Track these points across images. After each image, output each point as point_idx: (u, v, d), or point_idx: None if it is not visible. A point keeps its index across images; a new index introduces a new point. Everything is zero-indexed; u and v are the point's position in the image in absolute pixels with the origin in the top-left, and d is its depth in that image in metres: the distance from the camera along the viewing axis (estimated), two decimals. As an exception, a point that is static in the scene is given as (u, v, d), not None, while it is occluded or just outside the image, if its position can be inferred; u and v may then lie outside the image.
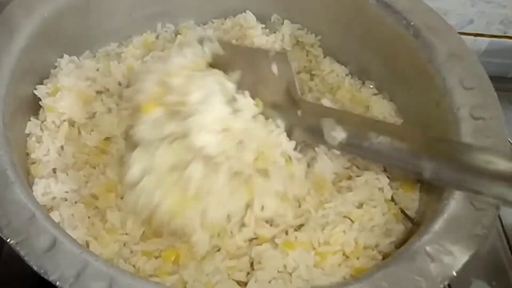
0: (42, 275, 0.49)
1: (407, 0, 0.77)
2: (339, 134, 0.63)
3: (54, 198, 0.64)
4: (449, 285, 0.75)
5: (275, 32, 0.86)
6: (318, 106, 0.72)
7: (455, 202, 0.58)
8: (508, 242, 0.81)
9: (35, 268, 0.49)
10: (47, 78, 0.74)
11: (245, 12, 0.87)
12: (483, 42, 0.99)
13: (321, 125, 0.64)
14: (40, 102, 0.71)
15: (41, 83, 0.73)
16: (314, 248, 0.61)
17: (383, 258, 0.62)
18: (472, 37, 0.97)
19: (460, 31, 0.93)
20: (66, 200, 0.65)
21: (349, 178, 0.70)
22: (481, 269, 0.80)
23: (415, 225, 0.66)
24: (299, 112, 0.66)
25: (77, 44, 0.79)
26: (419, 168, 0.61)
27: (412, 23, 0.75)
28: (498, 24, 0.97)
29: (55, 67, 0.75)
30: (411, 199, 0.70)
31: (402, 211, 0.68)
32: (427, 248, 0.54)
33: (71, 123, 0.70)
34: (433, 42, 0.73)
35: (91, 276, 0.49)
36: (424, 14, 0.76)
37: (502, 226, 0.83)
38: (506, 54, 1.01)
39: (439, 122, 0.69)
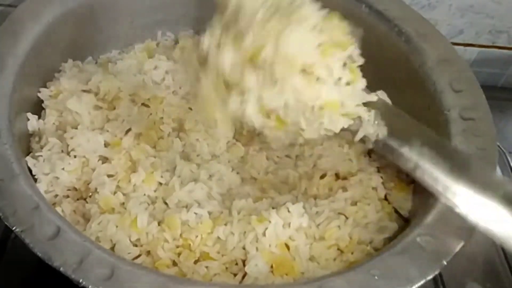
0: (46, 262, 0.50)
1: (399, 9, 0.81)
2: (380, 130, 0.60)
3: (56, 195, 0.66)
4: (444, 287, 0.77)
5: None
6: None
7: (445, 197, 0.60)
8: (502, 245, 0.83)
9: (40, 255, 0.50)
10: (51, 80, 0.76)
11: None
12: (473, 52, 1.02)
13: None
14: (42, 104, 0.74)
15: (45, 86, 0.75)
16: (309, 243, 0.63)
17: (378, 254, 0.64)
18: (462, 47, 1.00)
19: (450, 41, 0.95)
20: (68, 197, 0.66)
21: (344, 178, 0.72)
22: (475, 272, 0.81)
23: (408, 223, 0.68)
24: None
25: (79, 49, 0.81)
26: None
27: (403, 30, 0.78)
28: (486, 34, 1.00)
29: (59, 70, 0.77)
30: (404, 199, 0.71)
31: (396, 211, 0.70)
32: (419, 239, 0.56)
33: (72, 125, 0.72)
34: (423, 48, 0.76)
35: (94, 263, 0.50)
36: (415, 22, 0.79)
37: (497, 229, 0.84)
38: (495, 64, 1.04)
39: (430, 124, 0.71)
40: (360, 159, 0.74)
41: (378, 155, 0.75)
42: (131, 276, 0.50)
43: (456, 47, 0.97)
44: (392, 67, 0.79)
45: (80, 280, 0.49)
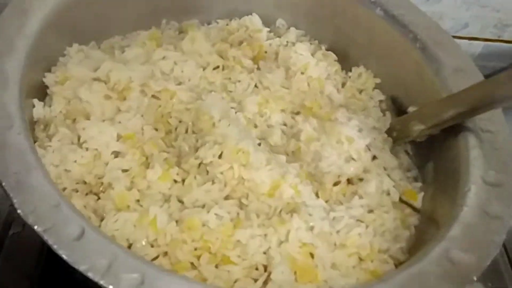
0: (72, 265, 0.46)
1: (414, 14, 0.80)
2: (418, 128, 0.70)
3: (65, 188, 0.62)
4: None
5: (279, 37, 0.87)
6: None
7: (468, 209, 0.60)
8: (504, 244, 0.83)
9: (64, 257, 0.47)
10: (55, 65, 0.71)
11: (251, 14, 0.87)
12: (478, 46, 1.00)
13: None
14: (48, 90, 0.69)
15: (49, 70, 0.70)
16: (331, 250, 0.62)
17: (394, 263, 0.63)
18: (467, 41, 0.99)
19: (455, 35, 0.95)
20: (77, 191, 0.62)
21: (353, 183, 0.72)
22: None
23: (417, 212, 0.70)
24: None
25: (84, 33, 0.77)
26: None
27: (418, 37, 0.77)
28: (492, 28, 0.98)
29: (64, 55, 0.73)
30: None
31: (406, 202, 0.70)
32: (448, 253, 0.55)
33: (82, 114, 0.68)
34: (439, 56, 0.75)
35: (123, 267, 0.47)
36: (431, 29, 0.78)
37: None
38: (500, 58, 1.02)
39: (445, 132, 0.71)
40: (361, 156, 0.72)
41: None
42: (163, 284, 0.47)
43: (461, 41, 0.96)
44: (405, 73, 0.79)
45: (110, 287, 0.46)
